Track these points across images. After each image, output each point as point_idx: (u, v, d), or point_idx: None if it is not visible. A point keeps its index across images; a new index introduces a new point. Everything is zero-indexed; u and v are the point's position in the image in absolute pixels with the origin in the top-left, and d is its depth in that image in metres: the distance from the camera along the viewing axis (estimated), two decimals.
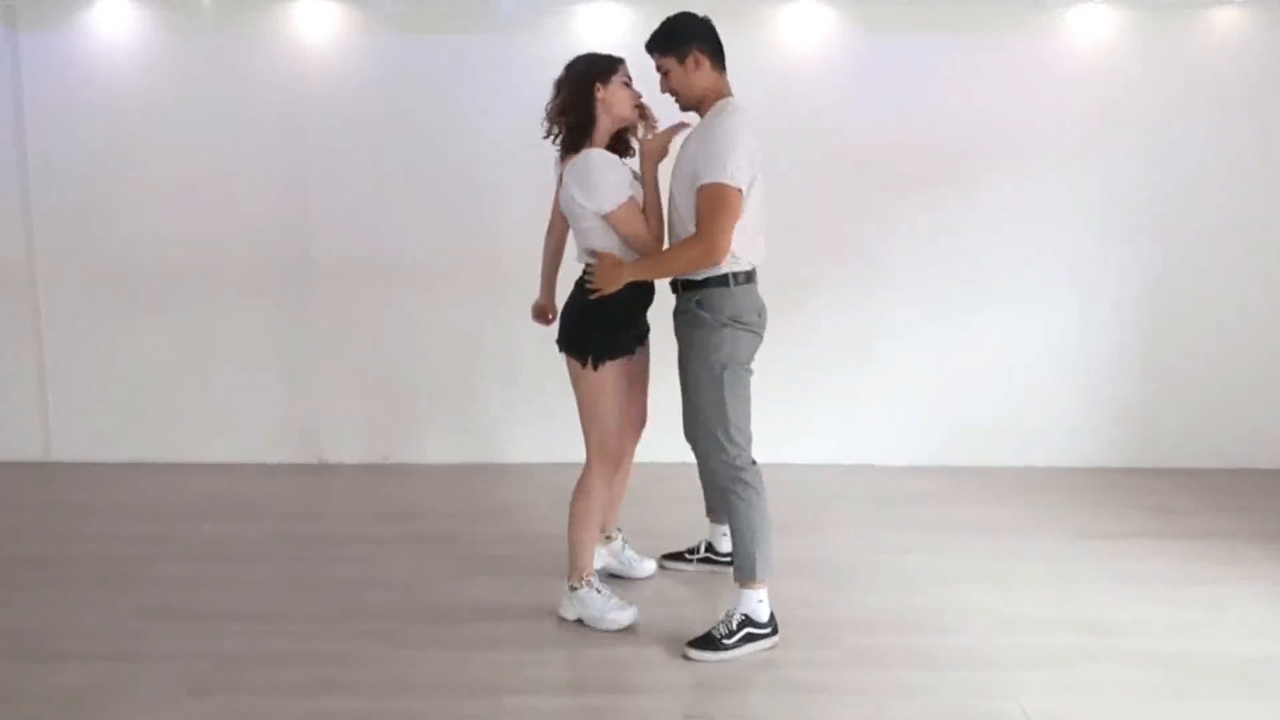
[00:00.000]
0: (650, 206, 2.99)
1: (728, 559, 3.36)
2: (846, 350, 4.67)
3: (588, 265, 3.04)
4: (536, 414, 4.64)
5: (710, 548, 3.58)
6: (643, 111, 3.05)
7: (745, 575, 3.01)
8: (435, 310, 4.65)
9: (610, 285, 2.94)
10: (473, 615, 3.21)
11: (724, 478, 3.00)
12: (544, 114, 3.02)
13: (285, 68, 4.46)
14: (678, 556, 3.60)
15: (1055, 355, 4.68)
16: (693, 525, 3.69)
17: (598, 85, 2.95)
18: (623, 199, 2.92)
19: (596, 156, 2.94)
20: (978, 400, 4.69)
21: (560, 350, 3.10)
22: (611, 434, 3.09)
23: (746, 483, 2.99)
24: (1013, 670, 2.90)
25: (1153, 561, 3.66)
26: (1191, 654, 3.00)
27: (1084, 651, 3.01)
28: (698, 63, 2.95)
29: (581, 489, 3.12)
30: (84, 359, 4.67)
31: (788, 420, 4.52)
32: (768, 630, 3.02)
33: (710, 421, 2.96)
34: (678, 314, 3.05)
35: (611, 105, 2.97)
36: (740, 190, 2.84)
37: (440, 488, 4.43)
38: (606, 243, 2.98)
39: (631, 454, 3.33)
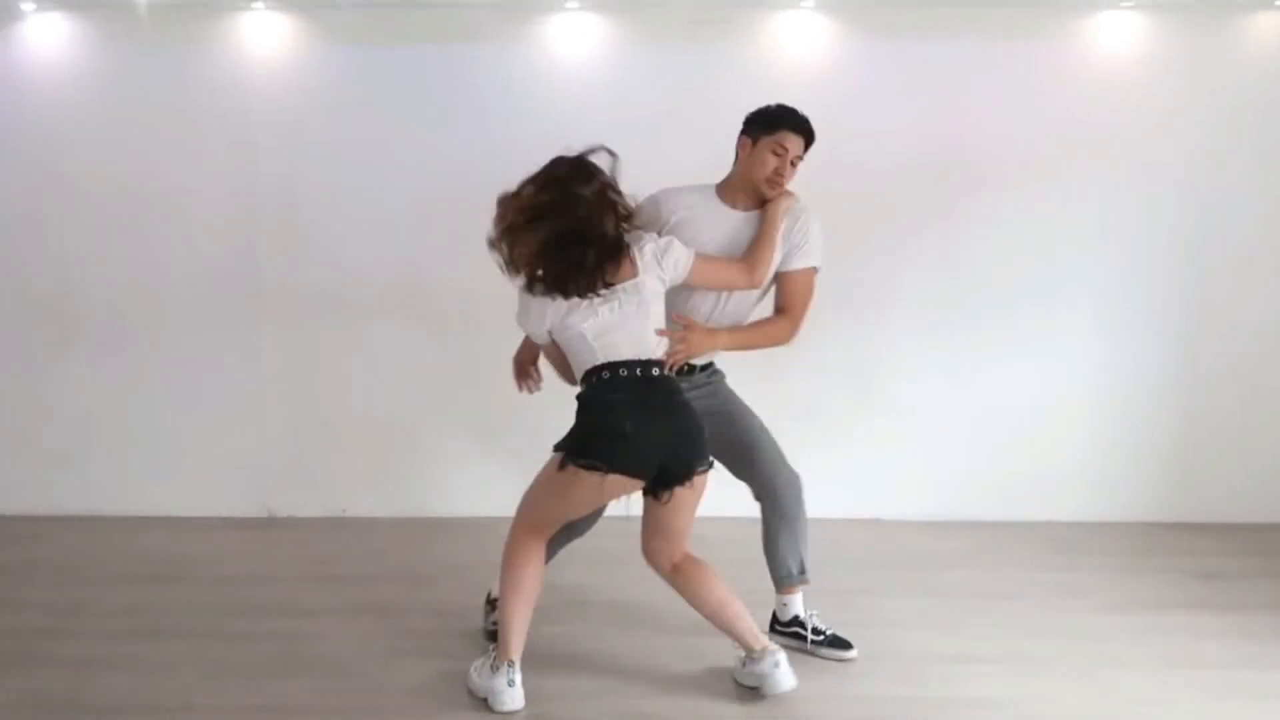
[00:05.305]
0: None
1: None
2: (850, 393, 4.27)
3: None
4: (503, 463, 4.18)
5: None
6: None
7: (802, 580, 3.09)
8: (396, 347, 4.29)
9: (698, 350, 2.90)
10: (398, 709, 2.78)
11: (797, 489, 3.06)
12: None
13: (233, 83, 4.15)
14: None
15: (1081, 397, 4.28)
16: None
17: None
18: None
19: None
20: (995, 448, 4.30)
21: (703, 470, 2.76)
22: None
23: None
24: None
25: (1202, 642, 3.18)
26: None
27: None
28: None
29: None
30: (13, 401, 4.33)
31: None
32: None
33: (777, 451, 3.07)
34: (695, 389, 2.99)
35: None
36: None
37: (392, 547, 4.02)
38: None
39: None
